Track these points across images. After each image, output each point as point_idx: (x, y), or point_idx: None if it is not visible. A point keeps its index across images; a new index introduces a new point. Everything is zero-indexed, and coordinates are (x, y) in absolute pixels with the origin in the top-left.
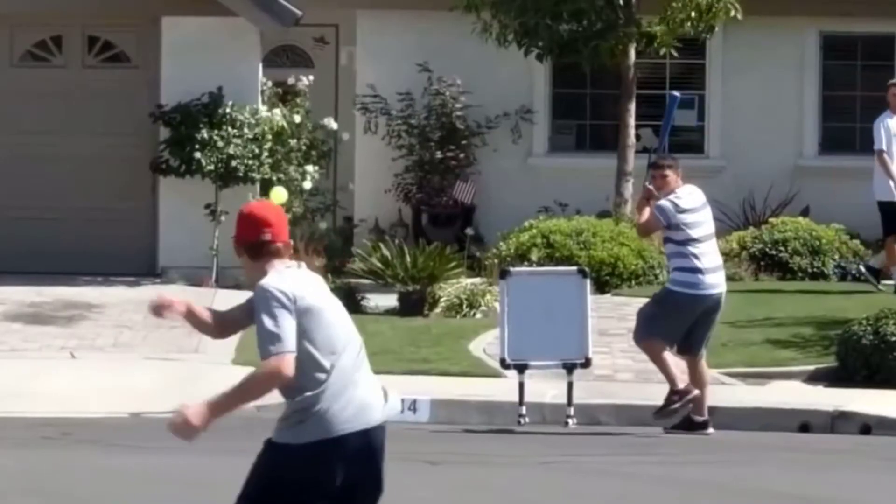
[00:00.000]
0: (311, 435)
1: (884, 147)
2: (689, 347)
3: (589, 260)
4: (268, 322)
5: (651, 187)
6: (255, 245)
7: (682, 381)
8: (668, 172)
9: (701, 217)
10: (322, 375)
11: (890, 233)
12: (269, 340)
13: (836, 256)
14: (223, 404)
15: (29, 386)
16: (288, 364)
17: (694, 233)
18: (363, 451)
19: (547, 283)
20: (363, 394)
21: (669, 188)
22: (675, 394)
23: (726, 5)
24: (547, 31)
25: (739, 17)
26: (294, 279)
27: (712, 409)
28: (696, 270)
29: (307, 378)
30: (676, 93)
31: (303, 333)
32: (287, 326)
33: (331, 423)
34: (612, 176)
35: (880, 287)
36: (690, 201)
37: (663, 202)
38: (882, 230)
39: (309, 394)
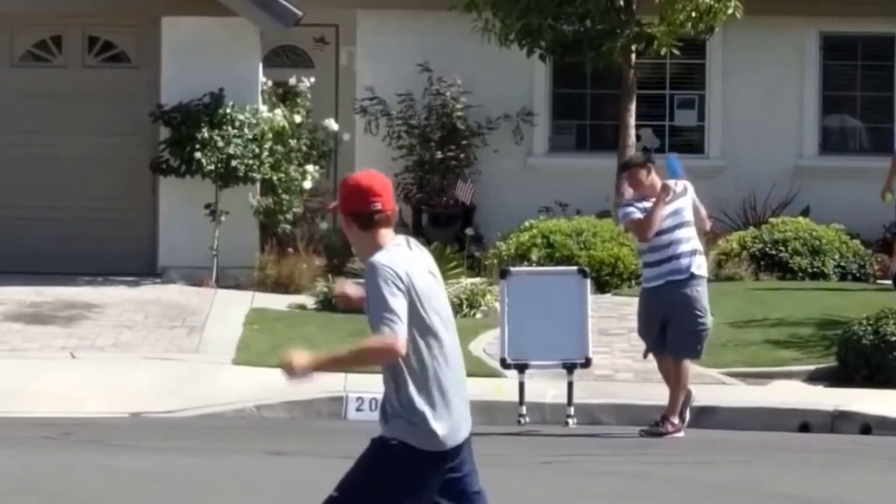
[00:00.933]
0: (423, 440)
1: None
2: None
3: (589, 260)
4: (382, 297)
5: (669, 183)
6: (365, 215)
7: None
8: (639, 171)
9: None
10: (435, 367)
11: None
12: (385, 316)
13: (836, 256)
14: (328, 361)
15: (29, 386)
16: (402, 343)
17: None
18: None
19: (547, 283)
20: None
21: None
22: (670, 422)
23: (726, 4)
24: (550, 32)
25: (739, 15)
26: (405, 258)
27: (713, 409)
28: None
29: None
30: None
31: (415, 316)
32: (401, 305)
33: (444, 430)
34: (612, 176)
35: None
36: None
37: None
38: None
39: (416, 389)
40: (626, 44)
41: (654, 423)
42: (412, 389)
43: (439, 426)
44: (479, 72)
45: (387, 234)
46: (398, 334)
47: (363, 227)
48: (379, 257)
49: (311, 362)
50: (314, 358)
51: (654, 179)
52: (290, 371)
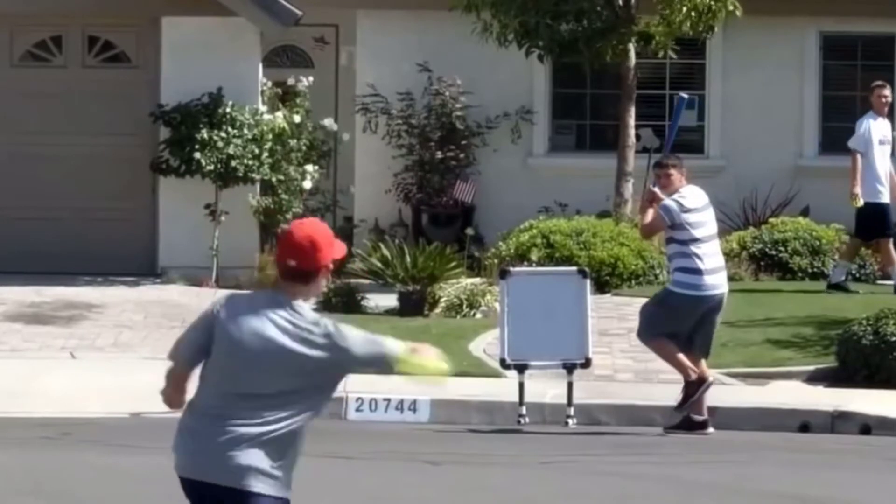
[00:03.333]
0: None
1: (861, 149)
2: (690, 348)
3: (589, 260)
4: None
5: (655, 189)
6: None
7: (694, 371)
8: (673, 172)
9: (704, 217)
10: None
11: (875, 236)
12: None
13: (836, 256)
14: None
15: (29, 386)
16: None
17: (697, 233)
18: None
19: (547, 283)
20: None
21: (673, 187)
22: (690, 385)
23: (726, 3)
24: (547, 31)
25: (738, 13)
26: (243, 302)
27: (712, 410)
28: (698, 271)
29: None
30: (685, 94)
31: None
32: (187, 337)
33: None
34: (612, 176)
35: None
36: (694, 201)
37: (668, 202)
38: (865, 233)
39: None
40: (622, 42)
41: (682, 400)
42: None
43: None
44: (478, 72)
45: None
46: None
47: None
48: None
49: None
50: None
51: (683, 181)
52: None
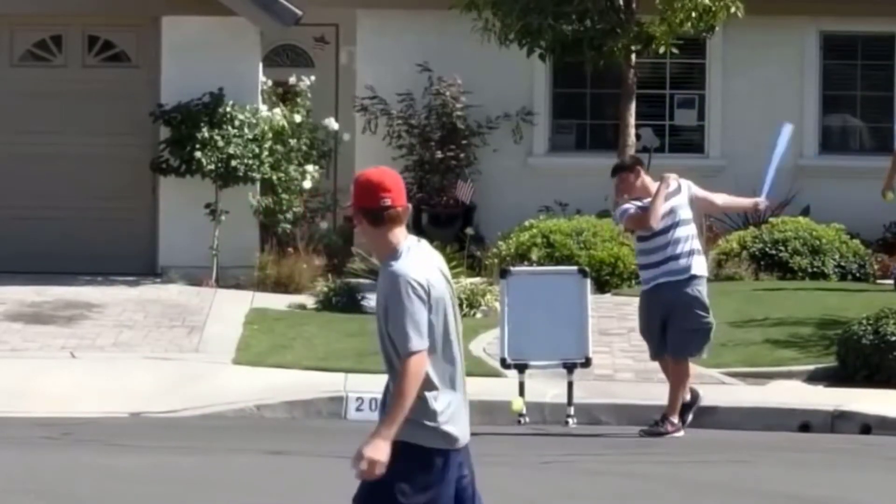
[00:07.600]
0: (439, 441)
1: None
2: (664, 349)
3: (589, 260)
4: (407, 315)
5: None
6: (375, 211)
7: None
8: (627, 175)
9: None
10: (447, 370)
11: None
12: (409, 336)
13: (836, 256)
14: (391, 424)
15: (29, 386)
16: (425, 360)
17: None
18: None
19: (547, 282)
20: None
21: (635, 191)
22: (669, 422)
23: (727, 3)
24: (550, 32)
25: (740, 14)
26: (424, 264)
27: (713, 409)
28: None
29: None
30: (789, 124)
31: (430, 324)
32: (424, 320)
33: (457, 430)
34: None
35: None
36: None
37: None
38: None
39: (433, 392)
40: (627, 43)
41: (653, 423)
42: (427, 392)
43: (452, 427)
44: (479, 72)
45: (399, 233)
46: (423, 354)
47: (373, 223)
48: (401, 267)
49: (384, 442)
50: (382, 437)
51: (646, 181)
52: (376, 466)
